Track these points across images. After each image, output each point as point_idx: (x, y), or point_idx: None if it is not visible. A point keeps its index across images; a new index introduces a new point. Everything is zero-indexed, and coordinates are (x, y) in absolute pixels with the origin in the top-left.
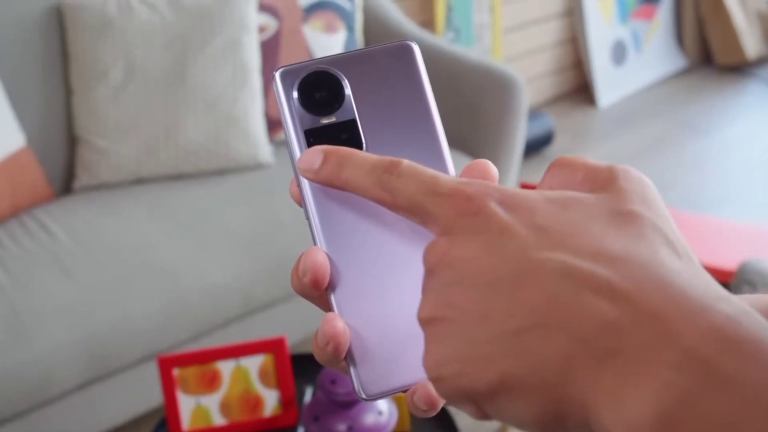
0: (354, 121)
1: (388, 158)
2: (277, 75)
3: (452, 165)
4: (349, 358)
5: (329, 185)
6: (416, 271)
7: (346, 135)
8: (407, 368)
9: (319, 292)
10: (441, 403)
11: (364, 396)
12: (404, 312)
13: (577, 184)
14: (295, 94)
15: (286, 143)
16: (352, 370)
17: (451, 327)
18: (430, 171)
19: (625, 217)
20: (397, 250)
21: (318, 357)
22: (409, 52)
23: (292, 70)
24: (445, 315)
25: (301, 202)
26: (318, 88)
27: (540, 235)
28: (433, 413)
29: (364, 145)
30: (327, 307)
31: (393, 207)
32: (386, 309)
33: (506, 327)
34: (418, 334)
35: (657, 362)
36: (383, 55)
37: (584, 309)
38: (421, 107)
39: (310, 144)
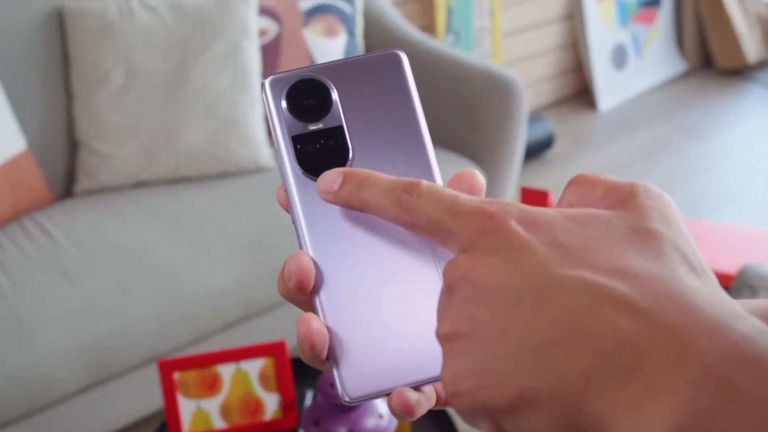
0: (341, 127)
1: (406, 179)
2: (267, 83)
3: (439, 171)
4: (333, 360)
5: (347, 206)
6: (402, 276)
7: (333, 141)
8: (391, 373)
9: (305, 296)
10: (418, 410)
11: (346, 399)
12: (389, 316)
13: (596, 201)
14: (284, 101)
15: (274, 149)
16: (335, 372)
17: (471, 342)
18: (450, 191)
19: (645, 234)
20: (383, 255)
21: (302, 358)
22: (397, 61)
23: (280, 78)
24: (464, 330)
25: (287, 207)
26: (306, 96)
27: (560, 252)
28: (411, 419)
29: (350, 151)
30: (314, 312)
31: (412, 226)
32: (371, 313)
33: (527, 342)
34: (401, 339)
35: (676, 379)
36: (371, 64)
37: (604, 324)
38: (408, 115)
39: (297, 150)
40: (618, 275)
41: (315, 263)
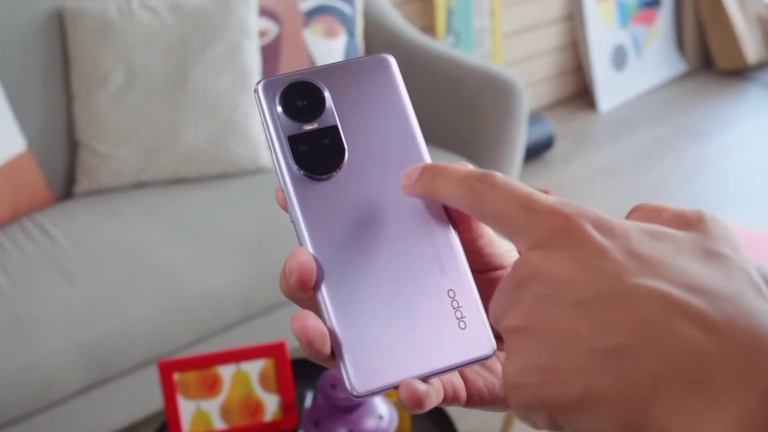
0: (335, 126)
1: (481, 170)
2: (260, 86)
3: None
4: (339, 356)
5: (422, 196)
6: (404, 270)
7: (328, 140)
8: (398, 366)
9: (307, 293)
10: (427, 401)
11: (355, 393)
12: (393, 310)
13: (663, 224)
14: (278, 103)
15: (270, 150)
16: (342, 367)
17: (539, 338)
18: (525, 187)
19: (715, 256)
20: (384, 250)
21: (306, 356)
22: (386, 63)
23: (273, 81)
24: (533, 326)
25: (286, 206)
26: (299, 97)
27: (635, 261)
28: (420, 410)
29: (345, 149)
30: (316, 310)
31: (480, 213)
32: (375, 307)
33: (597, 344)
34: (406, 332)
35: (745, 392)
36: (361, 67)
37: (677, 335)
38: (399, 113)
39: (293, 150)
40: (692, 290)
41: (316, 260)
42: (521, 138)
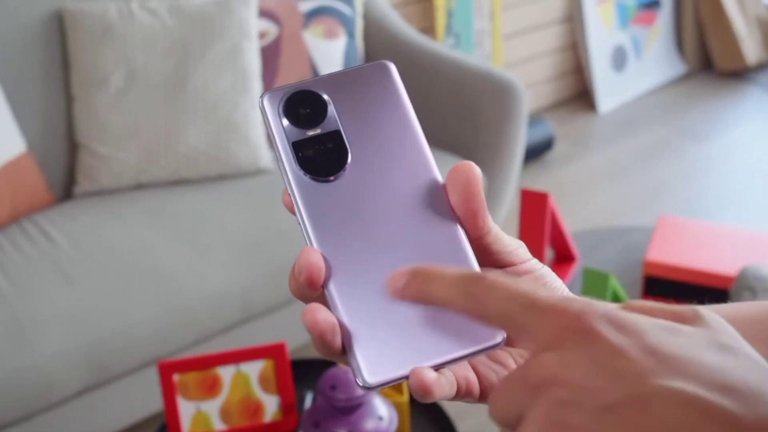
0: (338, 131)
1: (471, 271)
2: (265, 98)
3: (436, 167)
4: (349, 349)
5: (414, 301)
6: (411, 263)
7: (331, 143)
8: (407, 357)
9: (316, 291)
10: (437, 390)
11: (366, 385)
12: (401, 305)
13: None
14: (282, 113)
15: (277, 158)
16: (353, 360)
17: None
18: (522, 285)
19: (728, 349)
20: (390, 246)
21: (317, 351)
22: (386, 70)
23: (277, 92)
24: None
25: (293, 210)
26: (303, 105)
27: (656, 359)
28: (431, 399)
29: (349, 152)
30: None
31: (482, 317)
32: (383, 300)
33: None
34: (415, 324)
35: None
36: (362, 74)
37: None
38: (401, 117)
39: (298, 155)
40: (719, 389)
41: (324, 258)
42: (521, 139)
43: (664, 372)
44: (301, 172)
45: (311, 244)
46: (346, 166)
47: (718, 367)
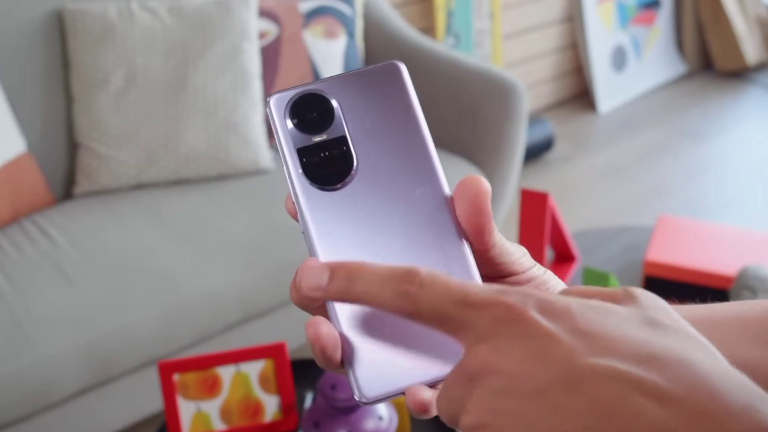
0: (344, 137)
1: (402, 268)
2: (272, 100)
3: (444, 177)
4: (347, 362)
5: (339, 301)
6: None
7: (337, 151)
8: (405, 372)
9: (317, 302)
10: (433, 409)
11: (363, 400)
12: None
13: None
14: (288, 116)
15: (282, 162)
16: (351, 374)
17: None
18: (455, 280)
19: (657, 324)
20: (393, 258)
21: (317, 362)
22: (396, 71)
23: (284, 94)
24: (493, 422)
25: (296, 216)
26: (309, 109)
27: (584, 340)
28: (427, 416)
29: (354, 160)
30: (327, 319)
31: (416, 317)
32: (383, 314)
33: (560, 430)
34: (414, 339)
35: None
36: (371, 76)
37: (636, 412)
38: (410, 123)
39: (303, 162)
40: (645, 363)
41: None
42: (521, 139)
43: (591, 351)
44: (305, 180)
45: (314, 253)
46: (352, 174)
47: (643, 341)
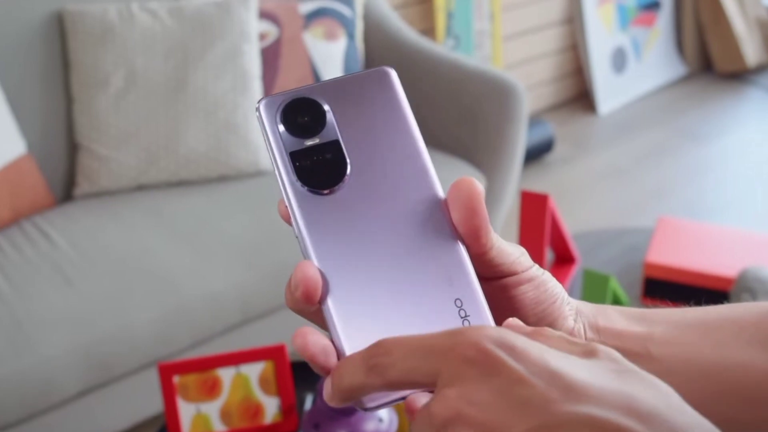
0: (337, 141)
1: (370, 347)
2: (261, 105)
3: (437, 178)
4: None
5: (344, 403)
6: (409, 281)
7: (330, 154)
8: None
9: (313, 306)
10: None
11: (364, 407)
12: (399, 322)
13: None
14: (279, 120)
15: (273, 167)
16: None
17: None
18: (412, 336)
19: (628, 373)
20: (388, 261)
21: (315, 371)
22: (387, 76)
23: (274, 98)
24: None
25: (289, 220)
26: (301, 114)
27: (558, 387)
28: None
29: (347, 163)
30: (323, 324)
31: (388, 386)
32: (381, 319)
33: None
34: None
35: None
36: (362, 81)
37: None
38: (402, 127)
39: (296, 166)
40: (625, 412)
41: (321, 273)
42: (521, 141)
43: (567, 398)
44: (298, 184)
45: (308, 257)
46: (345, 178)
47: (618, 391)
